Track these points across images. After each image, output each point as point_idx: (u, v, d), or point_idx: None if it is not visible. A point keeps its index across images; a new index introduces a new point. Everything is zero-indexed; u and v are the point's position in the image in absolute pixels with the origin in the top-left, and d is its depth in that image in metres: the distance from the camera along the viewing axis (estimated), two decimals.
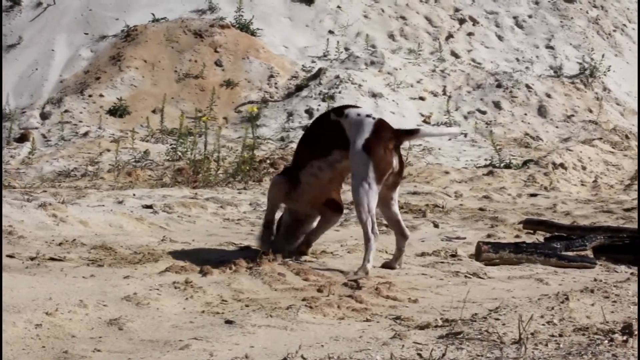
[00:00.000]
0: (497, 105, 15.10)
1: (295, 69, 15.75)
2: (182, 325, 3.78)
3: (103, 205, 7.58)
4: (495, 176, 11.13)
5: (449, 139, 13.86)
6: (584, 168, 11.95)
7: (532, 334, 3.37)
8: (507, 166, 11.80)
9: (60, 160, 12.10)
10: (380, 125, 5.18)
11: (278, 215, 5.75)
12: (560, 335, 3.38)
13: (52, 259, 5.16)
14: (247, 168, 10.83)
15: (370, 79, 15.13)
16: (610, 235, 6.20)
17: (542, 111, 15.11)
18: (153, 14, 16.35)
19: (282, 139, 13.39)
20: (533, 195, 10.02)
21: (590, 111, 15.35)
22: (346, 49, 16.43)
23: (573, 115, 15.12)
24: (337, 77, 14.97)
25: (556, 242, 6.05)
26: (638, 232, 6.18)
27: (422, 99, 15.12)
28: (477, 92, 15.47)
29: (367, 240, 5.06)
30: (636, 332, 3.24)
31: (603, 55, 16.53)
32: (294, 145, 10.51)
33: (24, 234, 5.98)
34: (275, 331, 3.70)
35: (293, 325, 3.80)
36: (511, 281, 5.14)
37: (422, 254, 6.00)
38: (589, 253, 6.04)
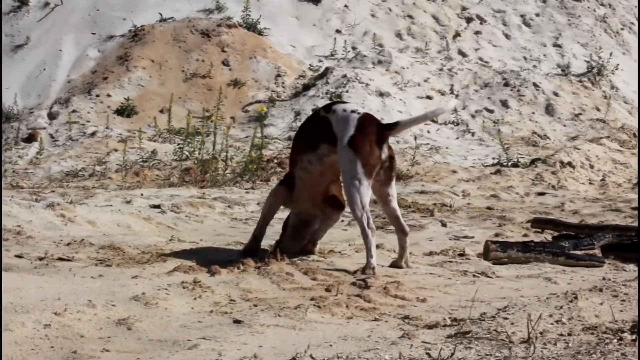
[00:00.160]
0: (504, 103, 15.09)
1: (302, 68, 15.75)
2: (190, 325, 3.79)
3: (111, 205, 7.59)
4: (502, 175, 11.11)
5: (456, 138, 13.85)
6: (591, 166, 11.93)
7: (540, 333, 3.37)
8: (515, 165, 11.78)
9: (68, 160, 12.12)
10: (365, 120, 5.21)
11: (276, 218, 5.75)
12: (569, 335, 3.38)
13: (60, 259, 5.17)
14: (255, 167, 10.84)
15: (377, 78, 15.13)
16: (619, 233, 6.18)
17: (549, 110, 15.09)
18: (160, 14, 16.36)
19: (289, 139, 13.39)
20: (541, 194, 10.01)
21: (598, 109, 15.33)
22: (353, 48, 16.42)
23: (581, 114, 15.10)
24: (345, 76, 14.96)
25: (564, 241, 6.04)
26: (638, 231, 6.16)
27: (429, 97, 15.11)
28: (484, 90, 15.45)
29: (365, 236, 5.07)
30: None
31: (611, 54, 16.49)
32: None
33: (32, 234, 5.99)
34: (283, 331, 3.70)
35: (301, 325, 3.80)
36: (519, 280, 5.13)
37: (430, 253, 5.99)
38: (598, 252, 6.02)
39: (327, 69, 15.39)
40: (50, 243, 5.76)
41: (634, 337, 3.20)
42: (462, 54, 16.88)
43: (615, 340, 3.19)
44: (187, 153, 11.87)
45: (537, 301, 3.94)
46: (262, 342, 3.52)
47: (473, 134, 14.14)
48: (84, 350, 3.37)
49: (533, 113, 14.92)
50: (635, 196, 10.07)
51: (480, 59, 16.79)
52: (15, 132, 13.31)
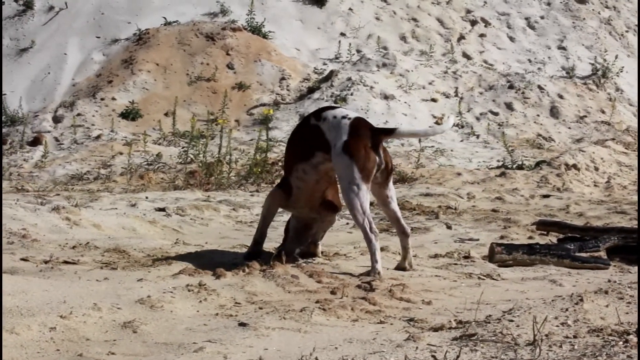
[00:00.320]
0: (509, 106, 15.08)
1: (307, 71, 15.76)
2: (195, 328, 3.79)
3: (116, 209, 7.59)
4: (507, 177, 11.11)
5: (461, 140, 13.85)
6: (596, 169, 11.91)
7: (546, 335, 3.36)
8: (520, 167, 11.78)
9: (73, 163, 12.13)
10: (357, 125, 5.20)
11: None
12: (575, 337, 3.37)
13: (65, 262, 5.18)
14: (260, 170, 10.84)
15: (382, 81, 15.13)
16: (624, 236, 6.17)
17: (554, 112, 15.08)
18: (165, 18, 16.38)
19: None
20: (546, 196, 10.00)
21: (603, 112, 15.31)
22: (358, 51, 16.42)
23: (585, 116, 15.09)
24: (349, 79, 14.97)
25: (569, 243, 6.03)
26: (638, 232, 6.15)
27: (434, 100, 15.11)
28: (489, 93, 15.45)
29: (368, 241, 5.06)
30: None
31: (616, 57, 16.48)
32: None
33: (37, 237, 6.01)
34: (289, 333, 3.70)
35: (307, 328, 3.80)
36: (525, 282, 5.13)
37: (435, 256, 5.99)
38: (603, 254, 6.01)
39: (331, 72, 15.39)
40: (56, 246, 5.76)
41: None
42: (466, 56, 16.87)
43: (621, 343, 3.18)
44: (191, 156, 11.88)
45: (543, 303, 3.93)
46: (268, 344, 3.52)
47: (478, 137, 14.13)
48: (89, 354, 3.37)
49: (538, 115, 14.91)
50: None
51: (485, 61, 16.79)
52: (20, 136, 13.33)
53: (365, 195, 5.07)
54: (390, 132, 5.41)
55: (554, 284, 5.05)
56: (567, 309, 3.76)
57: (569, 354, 3.12)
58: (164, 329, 3.77)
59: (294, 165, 5.43)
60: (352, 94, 14.51)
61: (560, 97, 15.44)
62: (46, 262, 5.14)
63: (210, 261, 5.24)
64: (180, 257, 5.40)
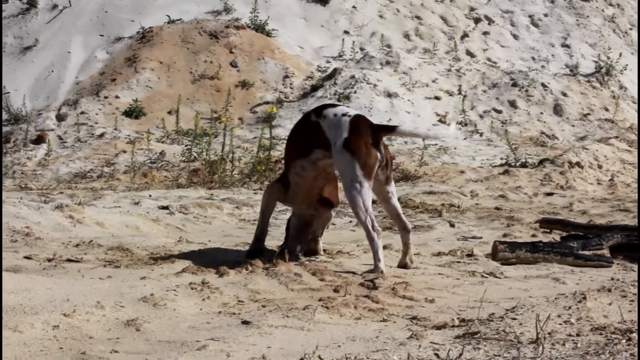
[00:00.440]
0: (512, 104, 15.07)
1: (310, 69, 15.76)
2: (199, 326, 3.79)
3: (119, 207, 7.60)
4: (511, 175, 11.10)
5: (465, 138, 13.84)
6: (600, 167, 11.90)
7: (549, 333, 3.36)
8: (523, 165, 11.77)
9: (77, 161, 12.14)
10: (357, 122, 5.21)
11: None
12: (578, 335, 3.37)
13: (69, 260, 5.19)
14: (263, 168, 10.85)
15: (385, 79, 15.12)
16: (627, 234, 6.17)
17: (558, 110, 15.07)
18: (168, 16, 16.38)
19: None
20: (549, 194, 9.99)
21: (607, 110, 15.30)
22: (361, 49, 16.41)
23: (589, 114, 15.07)
24: (353, 77, 14.97)
25: (573, 241, 6.03)
26: (638, 231, 6.14)
27: (437, 98, 15.10)
28: (492, 91, 15.44)
29: (370, 240, 5.07)
30: None
31: (620, 54, 16.46)
32: None
33: (41, 235, 6.01)
34: (292, 331, 3.70)
35: (310, 326, 3.80)
36: (528, 281, 5.13)
37: (439, 254, 5.99)
38: (606, 252, 6.01)
39: (335, 69, 15.39)
40: (59, 244, 5.77)
41: None
42: (470, 54, 16.86)
43: (624, 341, 3.18)
44: (195, 154, 11.89)
45: (546, 301, 3.93)
46: (271, 343, 3.52)
47: (481, 135, 14.12)
48: (92, 352, 3.37)
49: (541, 113, 14.90)
50: None
51: (489, 59, 16.77)
52: (23, 134, 13.35)
53: (368, 192, 5.07)
54: (391, 130, 5.45)
55: (557, 282, 5.04)
56: (570, 307, 3.76)
57: (572, 352, 3.12)
58: (167, 327, 3.77)
59: (292, 161, 5.45)
60: (355, 92, 14.51)
61: (564, 94, 15.43)
62: (49, 260, 5.14)
63: (213, 259, 5.25)
64: (184, 255, 5.41)
